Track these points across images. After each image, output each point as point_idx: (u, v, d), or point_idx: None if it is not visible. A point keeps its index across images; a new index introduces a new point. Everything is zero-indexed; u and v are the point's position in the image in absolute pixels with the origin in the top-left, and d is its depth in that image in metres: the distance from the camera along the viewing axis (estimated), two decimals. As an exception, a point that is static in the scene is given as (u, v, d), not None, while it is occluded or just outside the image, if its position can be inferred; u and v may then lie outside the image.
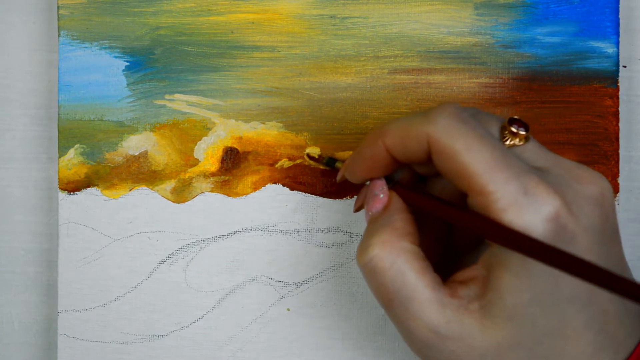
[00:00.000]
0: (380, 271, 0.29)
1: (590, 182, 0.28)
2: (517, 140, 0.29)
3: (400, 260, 0.28)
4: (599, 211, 0.28)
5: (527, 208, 0.26)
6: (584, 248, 0.27)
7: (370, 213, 0.31)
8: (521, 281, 0.27)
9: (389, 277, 0.28)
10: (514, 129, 0.29)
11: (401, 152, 0.29)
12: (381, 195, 0.31)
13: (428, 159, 0.29)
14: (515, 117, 0.29)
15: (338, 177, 0.34)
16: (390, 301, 0.29)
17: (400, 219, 0.30)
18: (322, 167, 0.37)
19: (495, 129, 0.29)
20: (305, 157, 0.37)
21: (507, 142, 0.29)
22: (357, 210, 0.33)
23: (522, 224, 0.26)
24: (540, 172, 0.28)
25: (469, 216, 0.28)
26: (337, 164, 0.35)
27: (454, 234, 0.32)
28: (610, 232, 0.28)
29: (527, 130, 0.29)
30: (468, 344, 0.28)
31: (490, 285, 0.27)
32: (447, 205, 0.29)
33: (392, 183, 0.31)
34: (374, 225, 0.30)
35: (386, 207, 0.31)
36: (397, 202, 0.31)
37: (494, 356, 0.28)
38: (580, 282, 0.27)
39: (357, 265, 0.30)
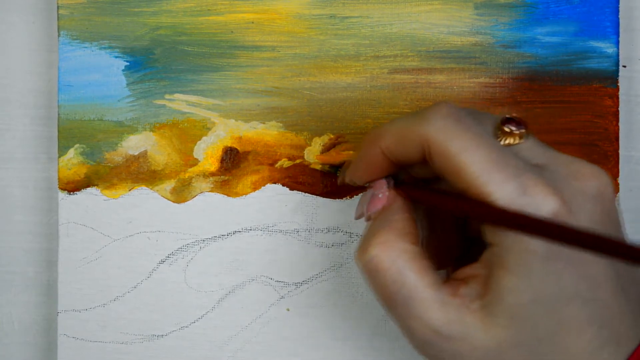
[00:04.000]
0: (381, 272, 0.29)
1: (589, 177, 0.28)
2: (512, 139, 0.29)
3: (400, 260, 0.28)
4: (600, 207, 0.28)
5: (525, 208, 0.26)
6: None
7: (369, 213, 0.31)
8: (522, 280, 0.27)
9: (389, 277, 0.28)
10: (506, 129, 0.29)
11: (398, 154, 0.29)
12: (380, 195, 0.31)
13: (425, 160, 0.29)
14: (510, 115, 0.29)
15: (339, 181, 0.34)
16: (391, 301, 0.29)
17: (399, 219, 0.30)
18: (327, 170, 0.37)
19: (491, 128, 0.29)
20: (325, 167, 0.37)
21: (503, 142, 0.29)
22: (358, 217, 0.33)
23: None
24: (538, 170, 0.28)
25: (470, 203, 0.27)
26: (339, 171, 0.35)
27: (469, 230, 0.32)
28: (612, 227, 0.28)
29: (522, 128, 0.29)
30: (470, 343, 0.28)
31: (491, 284, 0.27)
32: (448, 195, 0.29)
33: (393, 183, 0.31)
34: (374, 225, 0.30)
35: (386, 207, 0.31)
36: (397, 202, 0.30)
37: (496, 355, 0.28)
38: (582, 279, 0.27)
39: (357, 265, 0.30)
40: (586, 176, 0.28)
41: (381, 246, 0.29)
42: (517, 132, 0.29)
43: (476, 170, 0.27)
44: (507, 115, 0.29)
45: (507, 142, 0.29)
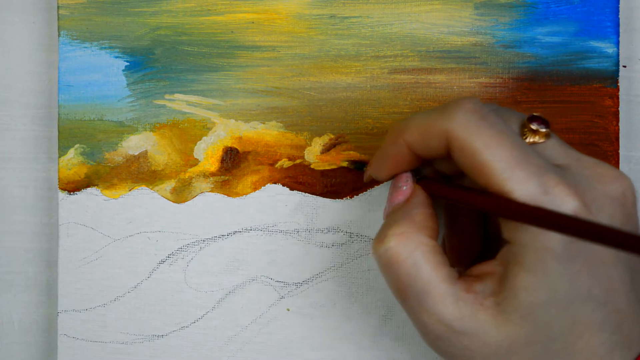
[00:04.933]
0: (396, 263, 0.28)
1: (611, 180, 0.28)
2: (537, 137, 0.29)
3: (416, 253, 0.28)
4: (620, 210, 0.28)
5: (546, 207, 0.26)
6: (603, 247, 0.27)
7: (391, 204, 0.31)
8: (537, 279, 0.27)
9: (404, 269, 0.28)
10: (533, 127, 0.29)
11: (422, 148, 0.29)
12: (404, 187, 0.31)
13: (449, 154, 0.28)
14: (536, 114, 0.29)
15: (365, 177, 0.34)
16: (404, 294, 0.29)
17: (420, 213, 0.29)
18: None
19: (515, 126, 0.29)
20: (347, 164, 0.37)
21: (528, 140, 0.29)
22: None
23: None
24: (560, 170, 0.27)
25: (490, 198, 0.27)
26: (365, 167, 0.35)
27: (490, 229, 0.32)
28: (632, 230, 0.28)
29: (548, 127, 0.29)
30: (481, 339, 0.28)
31: (506, 282, 0.27)
32: (469, 190, 0.29)
33: (418, 177, 0.31)
34: (394, 216, 0.30)
35: (408, 200, 0.30)
36: (420, 196, 0.30)
37: (507, 353, 0.27)
38: (597, 282, 0.27)
39: (373, 255, 0.29)
40: (609, 179, 0.28)
41: (398, 237, 0.29)
42: (543, 130, 0.29)
43: (498, 168, 0.27)
44: (534, 114, 0.29)
45: (531, 140, 0.29)
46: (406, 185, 0.31)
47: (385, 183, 0.37)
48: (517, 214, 0.26)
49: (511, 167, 0.27)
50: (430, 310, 0.28)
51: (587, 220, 0.25)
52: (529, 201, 0.26)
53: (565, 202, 0.26)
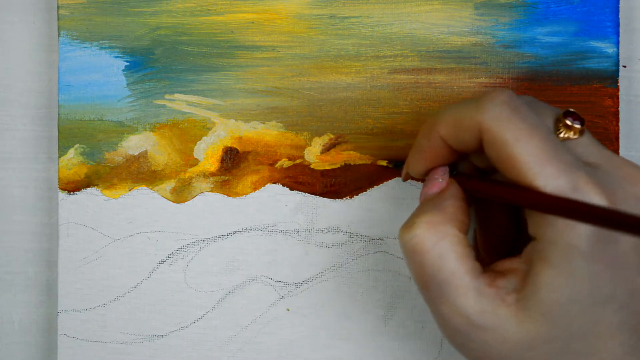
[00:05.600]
0: (420, 251, 0.28)
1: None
2: (572, 133, 0.28)
3: (442, 243, 0.28)
4: None
5: None
6: (628, 248, 0.27)
7: (423, 194, 0.31)
8: (561, 278, 0.26)
9: (429, 258, 0.28)
10: (569, 122, 0.28)
11: (455, 141, 0.29)
12: (440, 180, 0.30)
13: (482, 148, 0.28)
14: (572, 109, 0.29)
15: (403, 176, 0.33)
16: (426, 283, 0.28)
17: (452, 205, 0.29)
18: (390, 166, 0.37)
19: (550, 120, 0.29)
20: (386, 163, 0.37)
21: (561, 135, 0.28)
22: (404, 179, 0.32)
23: (569, 221, 0.26)
24: (590, 169, 0.27)
25: (519, 189, 0.27)
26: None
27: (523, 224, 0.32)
28: None
29: (582, 124, 0.28)
30: (501, 335, 0.27)
31: (530, 279, 0.27)
32: (500, 183, 0.28)
33: (455, 173, 0.31)
34: (425, 205, 0.30)
35: (442, 192, 0.30)
36: (454, 189, 0.30)
37: (526, 349, 0.27)
38: (619, 283, 0.27)
39: (399, 241, 0.29)
40: (638, 179, 0.28)
41: (426, 225, 0.28)
42: (577, 126, 0.28)
43: (528, 162, 0.27)
44: (569, 109, 0.29)
45: (565, 135, 0.28)
46: (442, 178, 0.31)
47: (387, 183, 0.37)
48: (546, 206, 0.26)
49: (541, 163, 0.26)
50: (451, 302, 0.28)
51: (616, 210, 0.25)
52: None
53: (593, 201, 0.26)
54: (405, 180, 0.34)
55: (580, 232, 0.26)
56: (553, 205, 0.26)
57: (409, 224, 0.29)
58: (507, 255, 0.32)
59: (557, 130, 0.29)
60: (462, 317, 0.28)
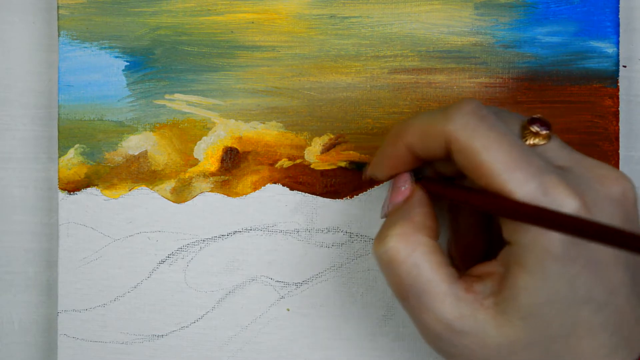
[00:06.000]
0: (396, 263, 0.29)
1: (612, 182, 0.28)
2: (539, 139, 0.29)
3: (416, 253, 0.28)
4: (620, 212, 0.28)
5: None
6: (602, 248, 0.27)
7: (390, 204, 0.31)
8: (537, 281, 0.27)
9: (404, 269, 0.28)
10: (533, 129, 0.29)
11: (422, 150, 0.29)
12: (403, 188, 0.31)
13: (449, 156, 0.29)
14: (537, 115, 0.29)
15: (363, 176, 0.34)
16: (405, 293, 0.29)
17: (419, 213, 0.30)
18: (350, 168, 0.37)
19: (516, 127, 0.29)
20: (346, 164, 0.37)
21: (528, 142, 0.29)
22: (384, 216, 0.33)
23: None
24: (561, 172, 0.28)
25: (490, 197, 0.27)
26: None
27: (494, 231, 0.32)
28: (632, 230, 0.28)
29: (549, 129, 0.29)
30: (481, 339, 0.28)
31: (507, 283, 0.27)
32: (469, 190, 0.29)
33: (418, 178, 0.31)
34: (393, 217, 0.30)
35: (407, 200, 0.30)
36: (419, 196, 0.30)
37: (508, 353, 0.27)
38: (597, 283, 0.27)
39: (373, 255, 0.30)
40: (610, 180, 0.28)
41: (398, 237, 0.29)
42: (543, 132, 0.29)
43: (497, 169, 0.27)
44: (534, 116, 0.29)
45: (532, 142, 0.29)
46: (405, 185, 0.31)
47: (385, 183, 0.37)
48: (516, 214, 0.26)
49: (510, 169, 0.27)
50: (431, 310, 0.28)
51: (587, 219, 0.25)
52: (529, 202, 0.26)
53: (565, 203, 0.26)
54: (364, 180, 0.34)
55: (554, 236, 0.26)
56: (521, 213, 0.26)
57: (381, 237, 0.29)
58: (481, 259, 0.32)
59: (523, 137, 0.29)
60: (442, 323, 0.28)
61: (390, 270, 0.29)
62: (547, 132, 0.29)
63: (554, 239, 0.26)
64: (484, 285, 0.28)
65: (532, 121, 0.29)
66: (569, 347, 0.27)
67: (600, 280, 0.27)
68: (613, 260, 0.27)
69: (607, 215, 0.27)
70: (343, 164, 0.37)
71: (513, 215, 0.27)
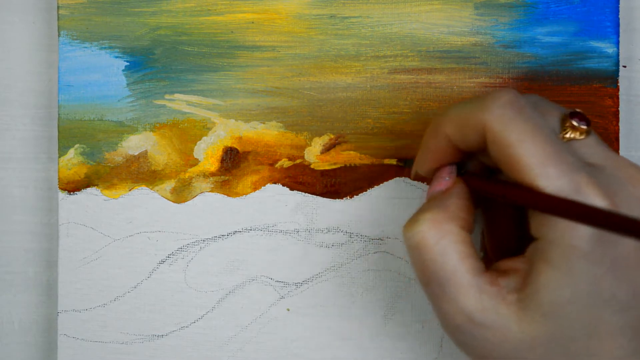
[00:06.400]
0: (423, 248, 0.28)
1: None
2: (578, 134, 0.29)
3: (444, 241, 0.28)
4: None
5: None
6: (630, 250, 0.27)
7: (429, 193, 0.31)
8: (562, 278, 0.27)
9: (431, 256, 0.28)
10: (575, 123, 0.28)
11: (461, 141, 0.29)
12: (447, 178, 0.31)
13: (485, 145, 0.28)
14: (578, 109, 0.29)
15: (412, 175, 0.33)
16: (428, 280, 0.29)
17: (455, 203, 0.29)
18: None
19: (555, 120, 0.29)
20: (396, 162, 0.37)
21: (567, 135, 0.28)
22: (413, 179, 0.32)
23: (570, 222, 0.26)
24: (593, 170, 0.27)
25: (521, 189, 0.27)
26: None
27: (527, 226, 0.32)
28: None
29: (588, 124, 0.28)
30: (502, 333, 0.27)
31: (531, 279, 0.27)
32: (505, 183, 0.28)
33: (463, 171, 0.31)
34: (429, 203, 0.30)
35: (447, 190, 0.30)
36: (459, 188, 0.30)
37: (527, 349, 0.27)
38: (621, 285, 0.27)
39: (402, 237, 0.29)
40: None
41: (429, 223, 0.29)
42: (583, 127, 0.28)
43: (530, 163, 0.27)
44: (575, 110, 0.29)
45: (571, 136, 0.28)
46: (449, 176, 0.31)
47: (384, 183, 0.37)
48: (547, 206, 0.26)
49: (543, 164, 0.26)
50: (453, 300, 0.28)
51: (617, 212, 0.25)
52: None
53: (594, 202, 0.26)
54: (413, 179, 0.34)
55: (582, 233, 0.26)
56: (553, 206, 0.26)
57: (412, 221, 0.29)
58: (512, 255, 0.32)
59: (563, 131, 0.29)
60: (463, 314, 0.28)
61: (416, 254, 0.29)
62: (587, 127, 0.28)
63: (581, 236, 0.26)
64: (508, 280, 0.28)
65: (573, 115, 0.29)
66: (588, 347, 0.27)
67: (625, 282, 0.27)
68: (639, 264, 0.27)
69: (636, 216, 0.27)
70: (393, 162, 0.36)
71: (543, 208, 0.27)
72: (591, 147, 0.29)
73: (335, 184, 0.37)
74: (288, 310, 0.37)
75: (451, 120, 0.29)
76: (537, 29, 0.37)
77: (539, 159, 0.27)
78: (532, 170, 0.27)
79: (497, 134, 0.27)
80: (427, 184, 0.36)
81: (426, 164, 0.31)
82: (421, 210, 0.29)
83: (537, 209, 0.27)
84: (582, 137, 0.29)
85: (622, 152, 0.38)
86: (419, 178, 0.35)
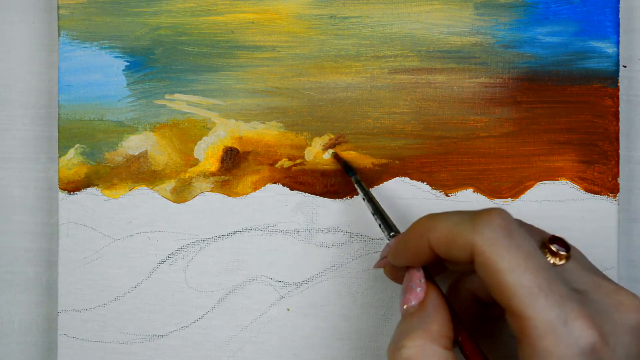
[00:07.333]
0: None
1: (630, 310, 0.28)
2: (557, 259, 0.29)
3: None
4: (637, 341, 0.28)
5: (564, 338, 0.26)
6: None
7: (405, 307, 0.31)
8: None
9: None
10: (554, 248, 0.29)
11: (446, 254, 0.29)
12: (418, 289, 0.30)
13: (470, 263, 0.28)
14: (557, 235, 0.29)
15: (377, 265, 0.34)
16: None
17: (436, 321, 0.29)
18: (330, 167, 0.37)
19: (535, 243, 0.29)
20: (331, 155, 0.37)
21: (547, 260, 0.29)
22: (378, 266, 0.33)
23: (558, 354, 0.26)
24: (580, 297, 0.28)
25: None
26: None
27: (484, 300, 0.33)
28: None
29: (568, 250, 0.29)
30: None
31: None
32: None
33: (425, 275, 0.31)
34: (409, 323, 0.30)
35: (423, 304, 0.30)
36: (434, 299, 0.30)
37: None
38: None
39: (387, 358, 0.30)
40: (627, 308, 0.28)
41: (416, 349, 0.29)
42: (563, 253, 0.29)
43: (520, 293, 0.27)
44: (555, 235, 0.29)
45: (551, 261, 0.29)
46: (419, 286, 0.30)
47: (384, 183, 0.37)
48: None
49: (534, 295, 0.27)
50: None
51: None
52: (547, 329, 0.26)
53: (583, 334, 0.26)
54: (377, 267, 0.34)
55: (570, 350, 0.26)
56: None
57: (397, 346, 0.29)
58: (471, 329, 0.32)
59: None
60: None
61: None
62: (566, 253, 0.29)
63: (569, 349, 0.26)
64: None
65: (553, 240, 0.29)
66: None
67: None
68: None
69: (624, 344, 0.27)
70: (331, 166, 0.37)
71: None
72: (573, 272, 0.29)
73: (335, 184, 0.37)
74: (288, 310, 0.37)
75: (439, 233, 0.29)
76: (537, 29, 0.37)
77: (529, 289, 0.27)
78: (523, 300, 0.27)
79: (487, 259, 0.27)
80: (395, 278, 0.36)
81: (401, 259, 0.31)
82: (404, 332, 0.29)
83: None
84: (562, 262, 0.29)
85: (622, 152, 0.38)
86: (382, 265, 0.35)
